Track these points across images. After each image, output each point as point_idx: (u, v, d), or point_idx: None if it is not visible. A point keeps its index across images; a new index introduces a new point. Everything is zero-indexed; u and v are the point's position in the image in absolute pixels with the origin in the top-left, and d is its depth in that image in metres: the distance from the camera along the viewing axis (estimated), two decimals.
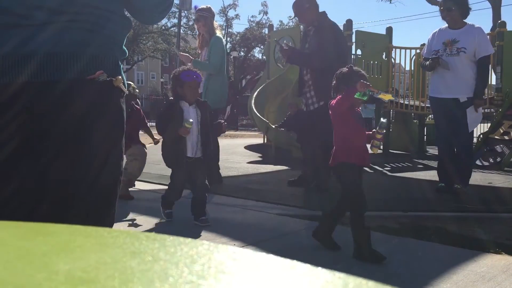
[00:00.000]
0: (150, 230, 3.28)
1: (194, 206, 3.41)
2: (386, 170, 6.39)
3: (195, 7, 5.20)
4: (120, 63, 1.38)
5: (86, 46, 1.27)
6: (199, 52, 5.26)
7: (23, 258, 0.37)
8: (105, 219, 1.32)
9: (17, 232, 0.46)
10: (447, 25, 4.53)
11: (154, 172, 5.53)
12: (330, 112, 2.84)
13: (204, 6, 5.06)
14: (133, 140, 4.34)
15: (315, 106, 4.50)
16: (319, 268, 0.36)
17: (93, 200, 1.28)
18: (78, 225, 0.47)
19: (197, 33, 5.39)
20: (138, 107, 4.75)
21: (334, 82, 2.90)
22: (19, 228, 0.48)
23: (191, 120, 3.21)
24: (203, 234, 3.16)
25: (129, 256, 0.38)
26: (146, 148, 4.60)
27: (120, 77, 1.32)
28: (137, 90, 4.84)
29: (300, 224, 3.41)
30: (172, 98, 3.51)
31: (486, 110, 6.24)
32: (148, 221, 3.50)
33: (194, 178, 3.42)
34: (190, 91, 3.36)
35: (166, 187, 4.87)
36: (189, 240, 0.42)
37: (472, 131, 4.56)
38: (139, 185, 4.91)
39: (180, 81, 3.36)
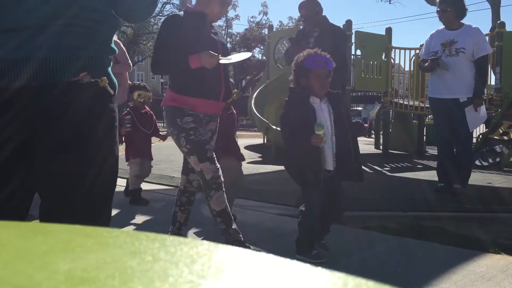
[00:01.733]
0: (149, 230, 3.28)
1: (321, 232, 2.76)
2: (386, 170, 6.39)
3: None
4: (107, 65, 1.38)
5: (83, 49, 1.27)
6: None
7: (23, 257, 0.37)
8: (98, 221, 1.32)
9: (17, 231, 0.46)
10: (444, 26, 4.53)
11: (154, 172, 5.53)
12: None
13: None
14: (145, 154, 4.33)
15: None
16: (319, 268, 0.36)
17: (88, 203, 1.29)
18: (77, 225, 0.47)
19: None
20: (150, 112, 4.54)
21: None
22: (19, 227, 0.48)
23: (323, 124, 2.50)
24: (203, 234, 3.16)
25: (129, 256, 0.38)
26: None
27: (105, 77, 1.32)
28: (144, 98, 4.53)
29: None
30: (296, 92, 2.72)
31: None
32: (148, 221, 3.50)
33: (332, 198, 2.70)
34: (318, 82, 2.63)
35: (167, 187, 4.89)
36: (189, 240, 0.42)
37: (472, 132, 4.57)
38: None
39: (305, 69, 2.64)
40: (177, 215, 2.97)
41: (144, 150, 4.31)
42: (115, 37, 5.37)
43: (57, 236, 0.45)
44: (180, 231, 2.98)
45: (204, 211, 3.92)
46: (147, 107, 4.51)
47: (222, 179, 2.72)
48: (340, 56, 4.64)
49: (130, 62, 5.44)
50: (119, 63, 5.33)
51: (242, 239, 2.75)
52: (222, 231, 2.76)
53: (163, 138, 4.26)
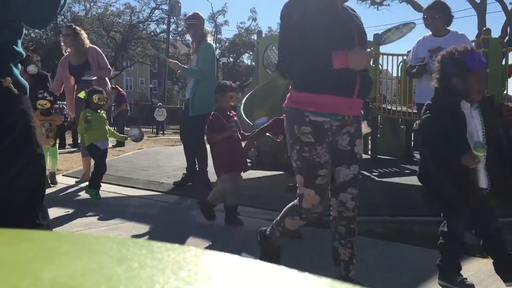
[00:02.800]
0: (137, 236, 3.25)
1: (502, 266, 2.30)
2: (374, 175, 6.42)
3: (184, 14, 5.20)
4: (13, 65, 1.38)
5: None
6: (192, 58, 5.26)
7: (7, 265, 0.37)
8: (19, 225, 1.30)
9: (1, 238, 0.45)
10: (431, 33, 4.59)
11: (142, 178, 5.50)
12: None
13: (191, 13, 5.04)
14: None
15: None
16: (306, 273, 0.36)
17: (14, 204, 1.29)
18: (64, 232, 0.46)
19: (190, 40, 5.43)
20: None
21: None
22: (3, 234, 0.48)
23: (485, 146, 2.11)
24: (191, 240, 3.14)
25: (116, 262, 0.38)
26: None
27: (9, 78, 1.33)
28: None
29: None
30: (444, 94, 2.30)
31: None
32: (135, 227, 3.47)
33: (483, 220, 2.33)
34: (478, 84, 2.24)
35: (156, 193, 4.86)
36: (176, 246, 0.42)
37: None
38: (126, 191, 4.88)
39: (463, 67, 2.24)
40: (339, 252, 2.27)
41: (238, 160, 3.62)
42: (89, 44, 5.40)
43: (43, 243, 0.44)
44: (349, 273, 2.24)
45: (191, 215, 3.90)
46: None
47: (317, 217, 2.33)
48: None
49: (109, 67, 5.53)
50: (101, 69, 5.33)
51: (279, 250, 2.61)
52: (267, 240, 2.54)
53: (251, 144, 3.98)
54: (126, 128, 10.73)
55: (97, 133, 4.39)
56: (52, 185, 5.01)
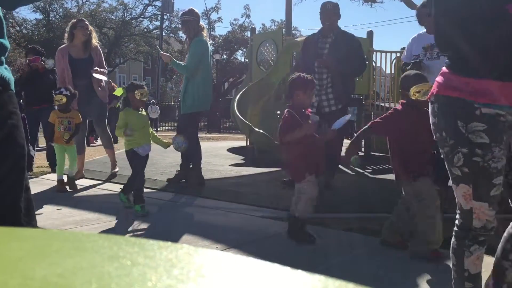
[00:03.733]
0: (129, 234, 3.24)
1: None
2: (368, 172, 6.45)
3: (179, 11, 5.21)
4: None
5: None
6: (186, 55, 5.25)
7: None
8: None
9: None
10: (425, 30, 4.61)
11: None
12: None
13: (186, 10, 5.00)
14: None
15: (332, 108, 4.70)
16: (299, 270, 0.36)
17: None
18: (55, 230, 0.46)
19: (183, 36, 5.44)
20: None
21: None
22: None
23: None
24: (184, 237, 3.14)
25: (107, 260, 0.37)
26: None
27: None
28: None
29: (283, 226, 3.41)
30: None
31: None
32: (127, 224, 3.46)
33: None
34: None
35: (149, 190, 4.84)
36: (168, 243, 0.42)
37: None
38: (119, 188, 4.86)
39: None
40: (507, 274, 1.83)
41: (320, 161, 3.21)
42: (97, 42, 5.37)
43: (33, 241, 0.44)
44: None
45: (185, 212, 3.90)
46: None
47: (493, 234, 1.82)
48: (360, 61, 4.79)
49: (105, 67, 5.48)
50: (101, 69, 5.30)
51: None
52: None
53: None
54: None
55: (138, 136, 3.76)
56: (70, 190, 4.75)
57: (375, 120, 3.04)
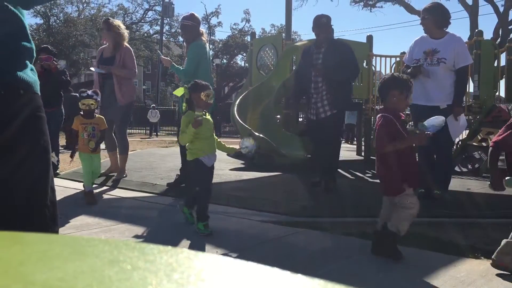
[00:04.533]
0: (130, 238, 3.24)
1: None
2: (367, 176, 6.44)
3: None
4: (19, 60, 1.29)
5: None
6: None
7: None
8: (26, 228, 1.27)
9: None
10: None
11: (135, 179, 5.48)
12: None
13: (187, 14, 5.01)
14: None
15: (328, 113, 4.83)
16: (299, 274, 0.36)
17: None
18: (56, 234, 0.46)
19: (182, 40, 5.51)
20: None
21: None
22: None
23: None
24: (185, 242, 3.14)
25: (108, 265, 0.38)
26: None
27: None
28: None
29: (283, 231, 3.41)
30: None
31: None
32: (128, 229, 3.46)
33: None
34: None
35: (149, 194, 4.84)
36: (169, 248, 0.42)
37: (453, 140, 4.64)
38: (119, 193, 4.86)
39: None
40: None
41: (417, 171, 2.95)
42: (126, 43, 5.41)
43: (34, 246, 0.44)
44: None
45: (185, 217, 3.89)
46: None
47: None
48: (353, 66, 4.88)
49: (135, 70, 5.50)
50: (126, 69, 5.32)
51: None
52: None
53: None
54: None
55: (204, 144, 3.33)
56: (87, 204, 4.21)
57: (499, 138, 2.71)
